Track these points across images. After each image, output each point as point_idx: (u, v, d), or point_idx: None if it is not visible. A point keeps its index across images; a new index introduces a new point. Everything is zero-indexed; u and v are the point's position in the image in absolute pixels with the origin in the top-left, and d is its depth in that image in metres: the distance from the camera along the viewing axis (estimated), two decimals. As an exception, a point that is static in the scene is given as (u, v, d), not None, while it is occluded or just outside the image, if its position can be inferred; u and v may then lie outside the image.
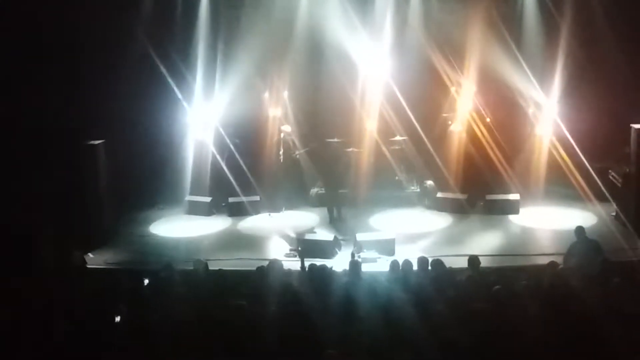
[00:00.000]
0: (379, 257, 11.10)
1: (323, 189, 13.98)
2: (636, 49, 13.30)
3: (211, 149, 14.42)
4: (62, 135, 12.79)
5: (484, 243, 12.09)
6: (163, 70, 14.05)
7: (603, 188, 13.05)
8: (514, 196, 13.54)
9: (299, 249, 11.55)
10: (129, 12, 14.00)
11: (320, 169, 13.70)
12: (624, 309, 7.39)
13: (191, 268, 10.05)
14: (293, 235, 12.30)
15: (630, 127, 12.16)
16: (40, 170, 12.38)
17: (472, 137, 13.99)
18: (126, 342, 7.27)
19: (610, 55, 13.47)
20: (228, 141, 14.33)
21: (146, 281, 9.38)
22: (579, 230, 10.21)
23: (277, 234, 12.86)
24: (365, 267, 9.55)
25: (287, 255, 11.60)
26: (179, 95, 14.36)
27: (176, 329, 7.33)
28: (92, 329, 7.35)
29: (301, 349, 6.96)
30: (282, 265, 9.55)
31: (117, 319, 7.84)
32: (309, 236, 12.02)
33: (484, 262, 9.61)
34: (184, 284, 9.09)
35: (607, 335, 6.86)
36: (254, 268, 9.67)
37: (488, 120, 14.18)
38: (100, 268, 11.26)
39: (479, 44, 14.07)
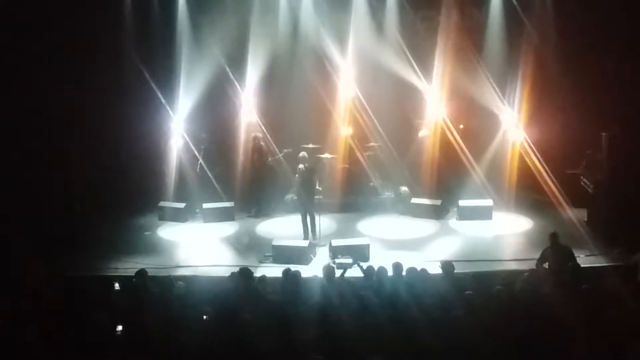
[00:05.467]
0: (354, 263, 11.09)
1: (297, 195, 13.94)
2: (606, 57, 13.50)
3: (185, 155, 14.35)
4: (38, 139, 12.62)
5: (458, 248, 12.17)
6: (137, 76, 13.95)
7: (574, 194, 13.22)
8: (486, 202, 13.66)
9: (274, 255, 11.57)
10: (106, 17, 13.91)
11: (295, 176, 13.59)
12: (593, 313, 7.49)
13: (164, 275, 9.97)
14: (268, 241, 12.29)
15: (602, 134, 12.33)
16: (15, 173, 12.20)
17: (446, 144, 14.10)
18: (98, 348, 7.20)
19: (582, 63, 13.65)
20: (202, 147, 14.28)
21: (117, 286, 9.28)
22: (553, 235, 10.31)
23: (251, 241, 12.83)
24: (339, 273, 9.53)
25: (262, 262, 11.58)
26: (154, 102, 14.25)
27: (148, 336, 7.27)
28: (61, 335, 7.27)
29: (276, 354, 6.95)
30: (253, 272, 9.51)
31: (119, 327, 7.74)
32: (284, 242, 11.99)
33: (458, 268, 9.65)
34: (155, 290, 9.02)
35: (576, 339, 6.95)
36: (227, 275, 9.62)
37: (461, 126, 14.30)
38: (71, 275, 11.08)
39: (451, 51, 14.21)
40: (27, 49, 13.00)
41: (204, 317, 7.93)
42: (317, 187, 13.62)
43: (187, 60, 14.61)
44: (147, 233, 13.51)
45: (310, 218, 12.61)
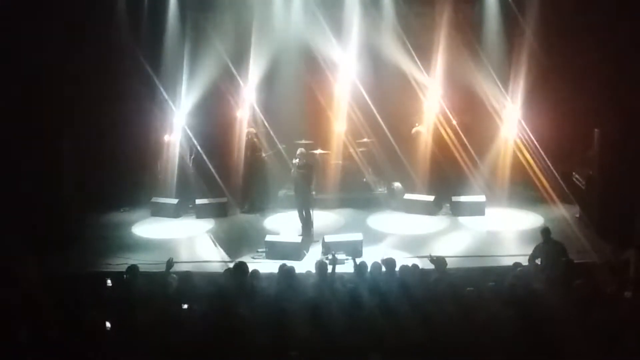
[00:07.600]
0: (347, 259, 11.10)
1: (292, 191, 13.90)
2: (599, 53, 13.51)
3: (178, 150, 14.32)
4: (27, 135, 12.54)
5: (451, 244, 12.18)
6: (130, 71, 13.91)
7: (567, 190, 13.26)
8: (479, 198, 13.68)
9: (266, 251, 11.58)
10: (97, 13, 13.84)
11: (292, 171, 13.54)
12: (585, 310, 7.51)
13: (156, 270, 9.93)
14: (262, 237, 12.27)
15: (594, 131, 12.37)
16: (5, 171, 12.13)
17: (439, 140, 14.10)
18: (91, 346, 7.17)
19: (574, 59, 13.67)
20: (195, 142, 14.25)
21: (109, 282, 9.25)
22: (545, 231, 10.33)
23: (246, 236, 12.81)
24: (330, 268, 9.51)
25: (255, 257, 11.57)
26: (147, 97, 14.21)
27: (140, 332, 7.25)
28: (53, 333, 7.23)
29: (267, 350, 6.94)
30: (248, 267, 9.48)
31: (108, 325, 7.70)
32: (277, 238, 11.98)
33: (451, 264, 9.66)
34: (148, 286, 8.99)
35: (568, 335, 6.96)
36: (221, 270, 9.61)
37: (454, 122, 14.30)
38: (62, 272, 11.03)
39: (445, 47, 14.22)
40: (18, 44, 12.93)
41: (197, 312, 7.92)
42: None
43: (180, 56, 14.56)
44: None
45: (306, 215, 12.58)
